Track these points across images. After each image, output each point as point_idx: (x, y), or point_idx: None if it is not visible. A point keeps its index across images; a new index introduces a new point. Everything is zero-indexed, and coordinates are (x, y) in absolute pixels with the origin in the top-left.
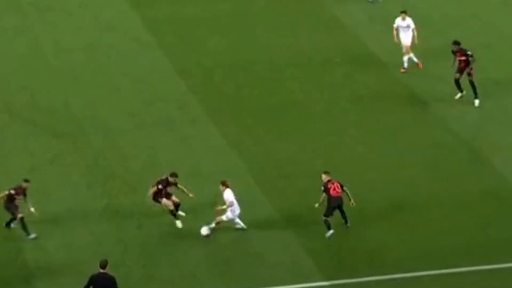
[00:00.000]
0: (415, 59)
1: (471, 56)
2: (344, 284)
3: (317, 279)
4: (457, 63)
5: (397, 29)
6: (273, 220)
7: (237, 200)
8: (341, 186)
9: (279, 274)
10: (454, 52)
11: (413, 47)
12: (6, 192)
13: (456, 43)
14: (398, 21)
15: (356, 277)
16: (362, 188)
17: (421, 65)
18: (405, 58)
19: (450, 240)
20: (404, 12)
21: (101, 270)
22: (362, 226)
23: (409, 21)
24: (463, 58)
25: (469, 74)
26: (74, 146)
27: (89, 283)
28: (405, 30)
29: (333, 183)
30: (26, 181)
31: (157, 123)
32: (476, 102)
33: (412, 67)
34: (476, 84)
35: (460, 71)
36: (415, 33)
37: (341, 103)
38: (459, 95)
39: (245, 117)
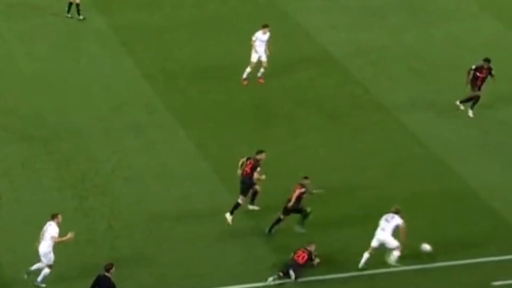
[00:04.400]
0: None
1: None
2: (309, 282)
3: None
4: (471, 78)
5: (255, 42)
6: (239, 221)
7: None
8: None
9: (243, 273)
10: (477, 69)
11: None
12: None
13: (487, 60)
14: (259, 35)
15: (317, 275)
16: (325, 191)
17: (262, 81)
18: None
19: (410, 239)
20: (266, 26)
21: (106, 274)
22: (325, 227)
23: (268, 35)
24: (483, 75)
25: (479, 89)
26: (45, 150)
27: (94, 283)
28: (262, 44)
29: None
30: None
31: (126, 127)
32: (470, 112)
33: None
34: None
35: (476, 87)
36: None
37: (304, 107)
38: (462, 107)
39: (210, 121)
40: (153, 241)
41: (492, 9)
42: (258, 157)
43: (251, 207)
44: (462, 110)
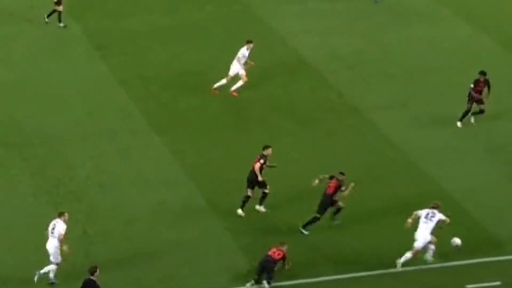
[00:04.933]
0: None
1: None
2: (282, 286)
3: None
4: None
5: (240, 58)
6: (215, 226)
7: None
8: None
9: (220, 277)
10: (475, 85)
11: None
12: None
13: (483, 73)
14: (244, 51)
15: (293, 279)
16: (299, 194)
17: (236, 94)
18: (222, 82)
19: (385, 241)
20: (251, 41)
21: (91, 276)
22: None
23: (250, 51)
24: (480, 88)
25: (477, 102)
26: (20, 156)
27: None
28: (244, 59)
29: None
30: None
31: (100, 133)
32: (459, 124)
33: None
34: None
35: (474, 101)
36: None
37: (277, 112)
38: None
39: (184, 126)
40: (129, 247)
41: (465, 13)
42: (265, 152)
43: (258, 207)
44: (472, 123)
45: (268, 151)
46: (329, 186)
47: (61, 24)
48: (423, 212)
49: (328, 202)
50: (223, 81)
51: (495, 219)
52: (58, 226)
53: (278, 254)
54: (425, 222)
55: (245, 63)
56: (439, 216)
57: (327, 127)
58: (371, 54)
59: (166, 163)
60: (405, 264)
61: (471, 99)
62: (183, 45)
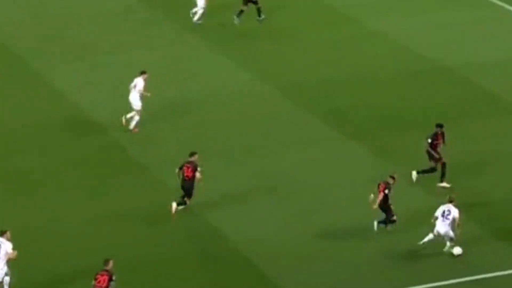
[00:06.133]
0: (131, 125)
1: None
2: None
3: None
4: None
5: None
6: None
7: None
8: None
9: None
10: (432, 139)
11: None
12: None
13: (440, 125)
14: (140, 82)
15: None
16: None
17: (136, 130)
18: (131, 116)
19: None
20: (145, 72)
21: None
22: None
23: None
24: (439, 141)
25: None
26: None
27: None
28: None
29: None
30: None
31: None
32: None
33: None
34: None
35: (436, 155)
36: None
37: (61, 166)
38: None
39: None
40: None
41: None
42: (193, 158)
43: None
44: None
45: (195, 158)
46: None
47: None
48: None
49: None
50: (137, 118)
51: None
52: (4, 246)
53: (104, 281)
54: (443, 221)
55: (141, 94)
56: (455, 212)
57: (115, 184)
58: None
59: None
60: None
61: (434, 154)
62: None
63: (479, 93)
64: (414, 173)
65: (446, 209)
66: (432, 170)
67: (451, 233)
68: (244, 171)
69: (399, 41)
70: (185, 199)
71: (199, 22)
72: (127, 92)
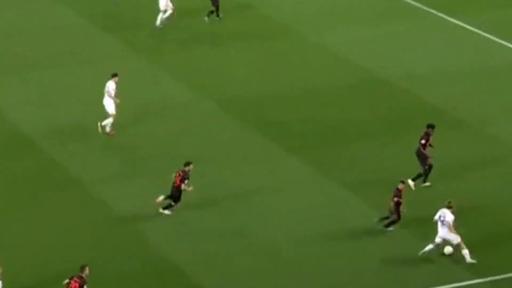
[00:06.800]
0: (108, 129)
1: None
2: None
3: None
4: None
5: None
6: None
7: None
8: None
9: None
10: (423, 138)
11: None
12: None
13: (432, 126)
14: (112, 84)
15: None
16: None
17: (113, 133)
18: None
19: None
20: (116, 74)
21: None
22: None
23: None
24: (428, 139)
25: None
26: None
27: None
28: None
29: None
30: None
31: None
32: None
33: None
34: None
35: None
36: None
37: None
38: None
39: None
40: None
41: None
42: (186, 168)
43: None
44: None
45: (190, 167)
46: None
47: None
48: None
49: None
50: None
51: None
52: None
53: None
54: (441, 225)
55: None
56: (449, 217)
57: (52, 203)
58: None
59: None
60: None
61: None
62: None
63: (420, 104)
64: (410, 182)
65: (441, 214)
66: (425, 172)
67: (449, 237)
68: None
69: (339, 53)
70: (172, 203)
71: (160, 26)
72: (60, 107)
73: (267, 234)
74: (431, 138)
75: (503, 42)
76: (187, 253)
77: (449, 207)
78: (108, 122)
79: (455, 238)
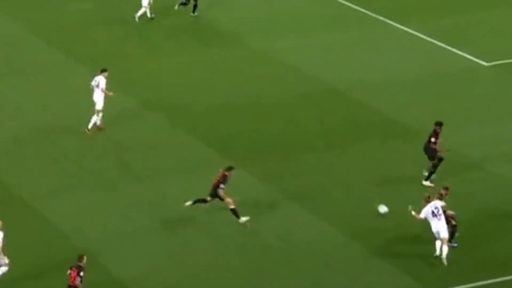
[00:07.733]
0: (98, 122)
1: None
2: None
3: None
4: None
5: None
6: None
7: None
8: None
9: None
10: (432, 137)
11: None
12: None
13: (440, 124)
14: (101, 79)
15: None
16: None
17: (102, 126)
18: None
19: None
20: (106, 70)
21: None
22: None
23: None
24: (436, 138)
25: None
26: None
27: None
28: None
29: None
30: None
31: None
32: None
33: None
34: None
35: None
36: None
37: None
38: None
39: None
40: None
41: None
42: (227, 173)
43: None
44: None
45: (230, 172)
46: None
47: None
48: (428, 210)
49: None
50: (95, 117)
51: None
52: None
53: (74, 278)
54: (439, 219)
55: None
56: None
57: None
58: None
59: None
60: None
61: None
62: None
63: (370, 113)
64: (424, 182)
65: (433, 207)
66: (435, 168)
67: (442, 229)
68: (127, 200)
69: (287, 62)
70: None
71: (138, 20)
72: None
73: (214, 247)
74: (440, 136)
75: (454, 50)
76: (134, 270)
77: (439, 198)
78: (93, 120)
79: (446, 233)
